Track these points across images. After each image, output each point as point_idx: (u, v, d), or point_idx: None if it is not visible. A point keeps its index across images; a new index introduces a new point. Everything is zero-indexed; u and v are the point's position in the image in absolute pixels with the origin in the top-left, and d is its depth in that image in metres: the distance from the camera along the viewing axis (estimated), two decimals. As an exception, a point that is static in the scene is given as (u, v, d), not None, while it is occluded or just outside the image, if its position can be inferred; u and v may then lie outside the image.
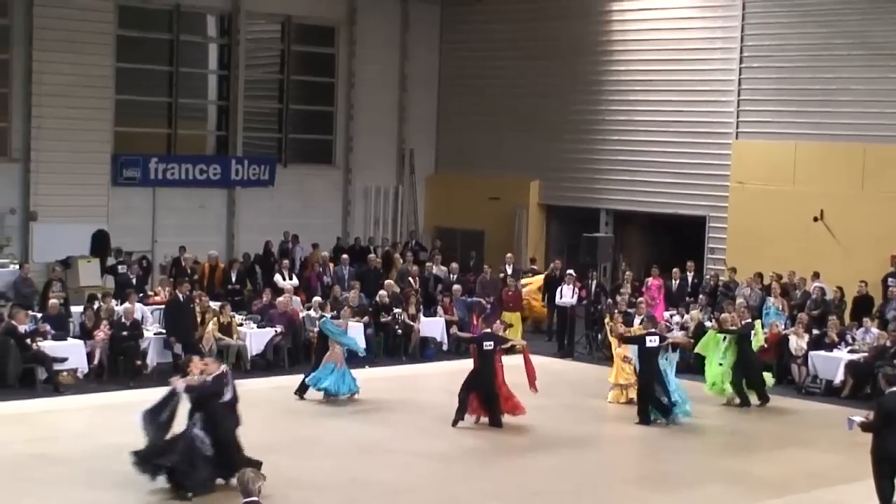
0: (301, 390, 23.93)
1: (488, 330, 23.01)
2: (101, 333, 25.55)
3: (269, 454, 18.34)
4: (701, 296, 30.66)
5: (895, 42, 31.72)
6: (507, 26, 39.54)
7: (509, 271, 33.28)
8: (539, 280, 33.30)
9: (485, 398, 22.18)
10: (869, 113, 31.96)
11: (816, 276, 30.80)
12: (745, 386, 24.64)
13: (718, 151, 34.89)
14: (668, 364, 23.29)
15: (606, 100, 37.53)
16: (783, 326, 28.11)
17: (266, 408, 23.17)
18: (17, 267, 29.60)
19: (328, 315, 26.69)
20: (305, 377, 24.02)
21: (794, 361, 27.07)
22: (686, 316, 29.32)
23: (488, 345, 22.35)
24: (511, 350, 23.36)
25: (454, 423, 21.85)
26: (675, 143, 35.75)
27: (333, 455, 19.67)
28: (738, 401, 24.59)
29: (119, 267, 30.92)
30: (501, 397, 22.22)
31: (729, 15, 34.68)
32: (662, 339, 23.33)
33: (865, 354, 26.25)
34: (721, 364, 24.65)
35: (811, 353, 26.88)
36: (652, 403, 22.77)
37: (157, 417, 17.30)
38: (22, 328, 24.32)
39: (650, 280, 32.01)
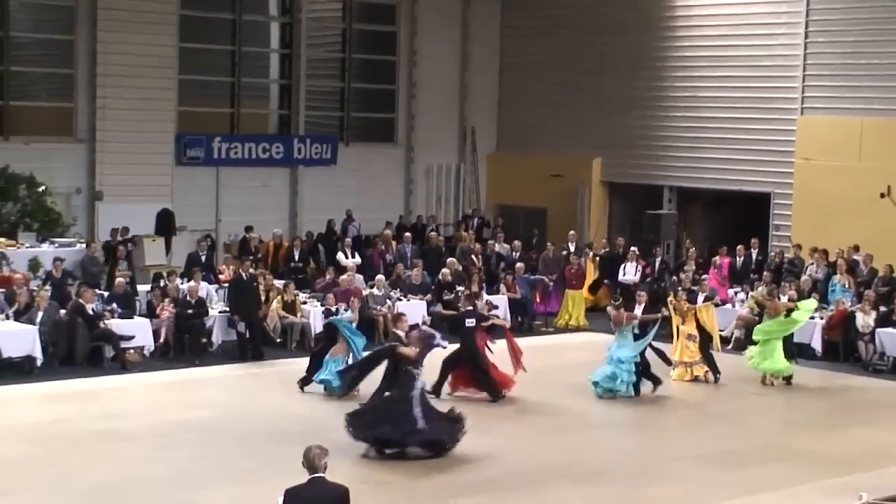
0: (305, 381, 22.61)
1: (470, 307, 23.10)
2: (167, 312, 25.80)
3: (333, 430, 18.47)
4: (766, 273, 30.45)
5: (963, 16, 31.48)
6: (568, 2, 39.38)
7: (572, 249, 33.25)
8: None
9: (472, 374, 22.34)
10: (936, 88, 31.73)
11: (856, 249, 30.72)
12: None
13: (783, 127, 34.63)
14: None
15: (670, 76, 37.33)
16: (849, 303, 27.93)
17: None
18: (84, 246, 29.85)
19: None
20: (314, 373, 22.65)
21: (860, 339, 26.85)
22: (751, 293, 29.19)
23: (470, 321, 22.48)
24: (493, 329, 23.30)
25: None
26: (739, 119, 35.51)
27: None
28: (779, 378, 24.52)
29: (124, 244, 30.96)
30: (490, 369, 22.38)
31: (793, -11, 34.46)
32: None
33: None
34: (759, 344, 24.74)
35: (878, 329, 26.63)
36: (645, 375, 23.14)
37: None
38: (89, 307, 24.61)
39: (719, 259, 31.86)
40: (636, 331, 23.31)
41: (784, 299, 25.95)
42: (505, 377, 22.52)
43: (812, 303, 25.93)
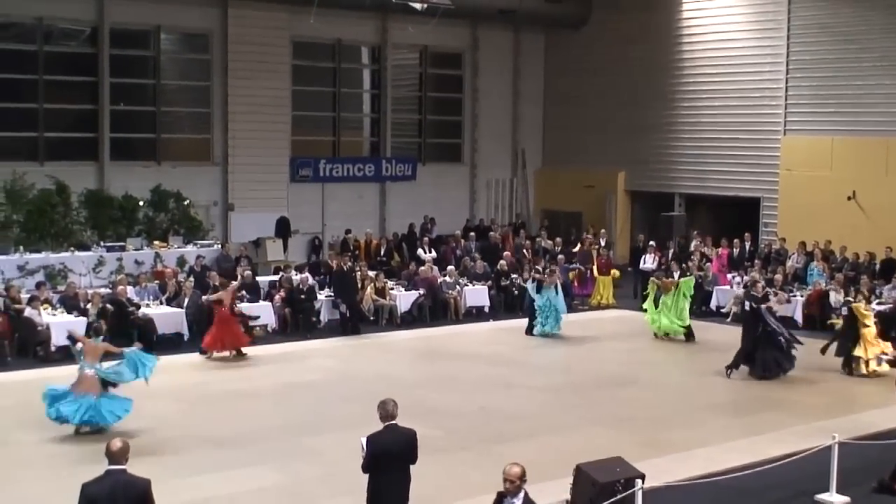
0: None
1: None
2: (279, 296, 25.88)
3: (416, 388, 18.48)
4: (756, 261, 30.24)
5: (912, 54, 31.17)
6: (598, 49, 39.28)
7: (602, 244, 33.05)
8: None
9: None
10: (892, 112, 31.28)
11: (829, 242, 30.67)
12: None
13: (770, 145, 34.35)
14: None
15: (679, 106, 37.08)
16: (824, 284, 27.61)
17: (412, 353, 23.35)
18: (220, 246, 30.07)
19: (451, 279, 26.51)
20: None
21: (833, 312, 26.54)
22: (746, 277, 28.89)
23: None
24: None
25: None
26: (735, 139, 35.27)
27: (465, 389, 19.73)
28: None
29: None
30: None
31: (776, 36, 34.06)
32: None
33: (891, 305, 25.65)
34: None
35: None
36: None
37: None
38: (224, 294, 24.70)
39: (721, 250, 31.61)
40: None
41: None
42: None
43: (692, 279, 26.09)
